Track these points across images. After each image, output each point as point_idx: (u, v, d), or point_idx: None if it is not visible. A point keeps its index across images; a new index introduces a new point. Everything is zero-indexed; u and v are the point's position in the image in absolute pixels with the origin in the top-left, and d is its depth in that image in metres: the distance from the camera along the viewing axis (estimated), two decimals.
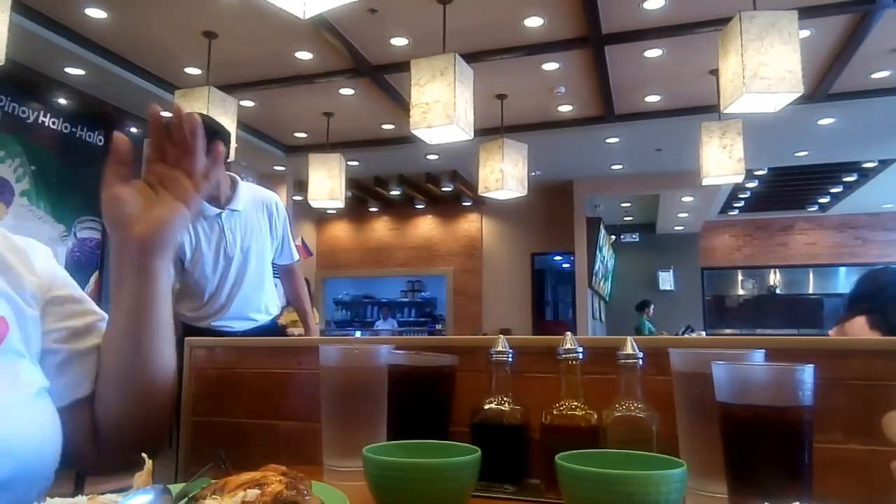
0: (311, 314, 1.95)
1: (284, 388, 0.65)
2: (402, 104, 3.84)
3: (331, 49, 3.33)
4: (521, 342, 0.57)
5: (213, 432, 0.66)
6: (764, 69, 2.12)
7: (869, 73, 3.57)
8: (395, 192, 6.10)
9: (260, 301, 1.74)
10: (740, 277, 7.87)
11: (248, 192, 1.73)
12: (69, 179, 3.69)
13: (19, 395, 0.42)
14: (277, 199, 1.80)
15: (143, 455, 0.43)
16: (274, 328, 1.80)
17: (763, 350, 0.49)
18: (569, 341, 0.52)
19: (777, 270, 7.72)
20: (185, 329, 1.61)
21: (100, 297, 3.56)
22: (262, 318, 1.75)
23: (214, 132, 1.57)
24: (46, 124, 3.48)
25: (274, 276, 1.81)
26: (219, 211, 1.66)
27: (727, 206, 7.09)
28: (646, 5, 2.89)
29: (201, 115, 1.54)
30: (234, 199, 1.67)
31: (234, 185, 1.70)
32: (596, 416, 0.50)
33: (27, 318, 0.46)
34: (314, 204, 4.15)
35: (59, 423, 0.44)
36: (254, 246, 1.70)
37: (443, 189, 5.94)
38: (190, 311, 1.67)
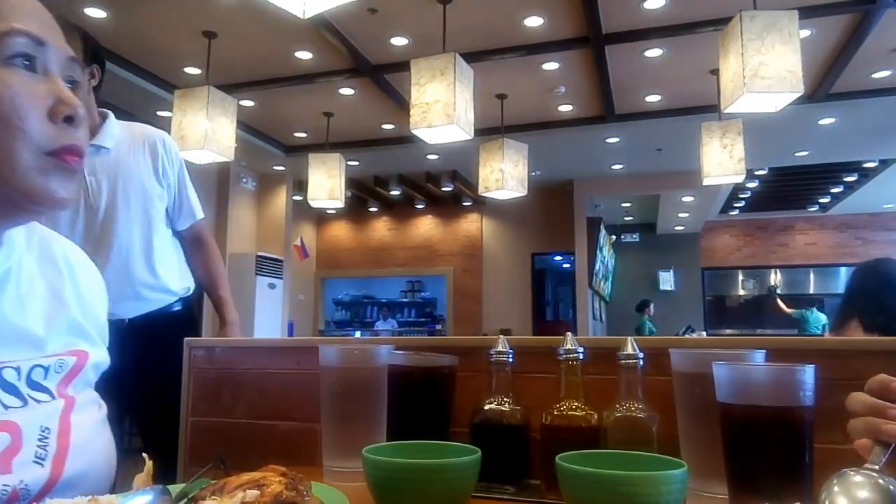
0: (230, 302, 1.39)
1: (284, 389, 0.65)
2: (402, 104, 3.84)
3: (331, 49, 3.33)
4: (522, 342, 0.57)
5: (213, 433, 0.66)
6: (764, 69, 2.11)
7: (869, 72, 3.57)
8: (395, 192, 6.09)
9: (153, 273, 1.23)
10: (741, 277, 7.87)
11: (124, 128, 1.29)
12: None
13: (98, 418, 0.46)
14: (166, 137, 1.32)
15: (144, 456, 0.43)
16: (186, 313, 1.32)
17: (764, 350, 0.49)
18: (569, 341, 0.52)
19: (778, 270, 7.72)
20: None
21: None
22: (163, 298, 1.25)
23: (95, 51, 1.26)
24: None
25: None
26: None
27: (728, 206, 7.09)
28: (646, 5, 2.89)
29: (78, 27, 1.20)
30: (101, 134, 1.22)
31: (104, 119, 1.25)
32: (596, 417, 0.50)
33: (99, 354, 0.49)
34: (314, 204, 4.15)
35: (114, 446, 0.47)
36: (132, 197, 1.22)
37: (443, 189, 5.94)
38: None
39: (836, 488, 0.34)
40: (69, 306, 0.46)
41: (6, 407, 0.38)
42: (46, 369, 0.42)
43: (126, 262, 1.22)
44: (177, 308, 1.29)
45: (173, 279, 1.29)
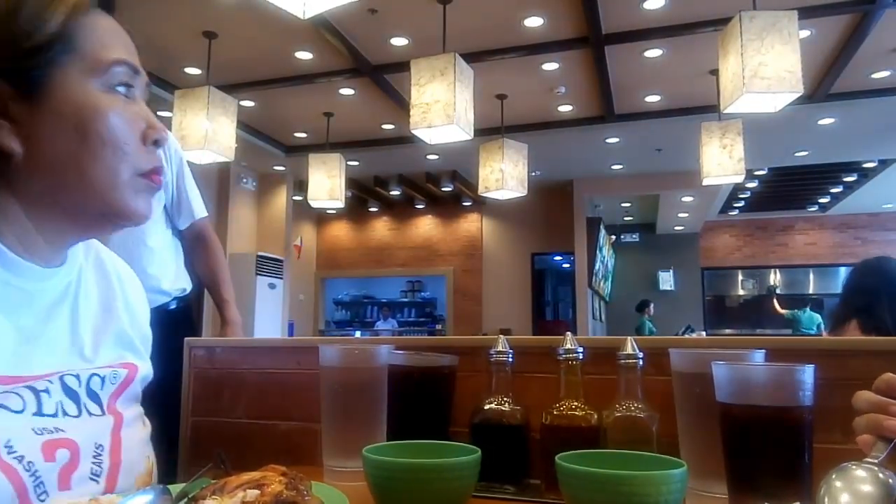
0: (232, 302, 1.36)
1: (284, 389, 0.65)
2: (402, 104, 3.84)
3: (331, 49, 3.33)
4: (521, 342, 0.57)
5: (213, 432, 0.66)
6: (764, 69, 2.11)
7: (869, 72, 3.57)
8: (395, 192, 6.09)
9: (143, 273, 1.07)
10: (740, 277, 7.87)
11: None
12: None
13: (143, 436, 0.47)
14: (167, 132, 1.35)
15: (145, 455, 0.44)
16: (182, 311, 1.28)
17: (763, 350, 0.49)
18: (569, 341, 0.52)
19: (777, 270, 7.72)
20: None
21: None
22: (155, 298, 1.20)
23: None
24: None
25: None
26: None
27: (727, 206, 7.09)
28: (646, 5, 2.89)
29: None
30: None
31: None
32: (596, 417, 0.50)
33: (145, 367, 0.50)
34: (314, 204, 4.15)
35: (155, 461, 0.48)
36: None
37: (443, 189, 5.94)
38: None
39: (834, 478, 0.34)
40: (120, 318, 0.48)
41: (65, 413, 0.39)
42: (103, 379, 0.43)
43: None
44: (172, 307, 1.27)
45: (167, 279, 1.27)
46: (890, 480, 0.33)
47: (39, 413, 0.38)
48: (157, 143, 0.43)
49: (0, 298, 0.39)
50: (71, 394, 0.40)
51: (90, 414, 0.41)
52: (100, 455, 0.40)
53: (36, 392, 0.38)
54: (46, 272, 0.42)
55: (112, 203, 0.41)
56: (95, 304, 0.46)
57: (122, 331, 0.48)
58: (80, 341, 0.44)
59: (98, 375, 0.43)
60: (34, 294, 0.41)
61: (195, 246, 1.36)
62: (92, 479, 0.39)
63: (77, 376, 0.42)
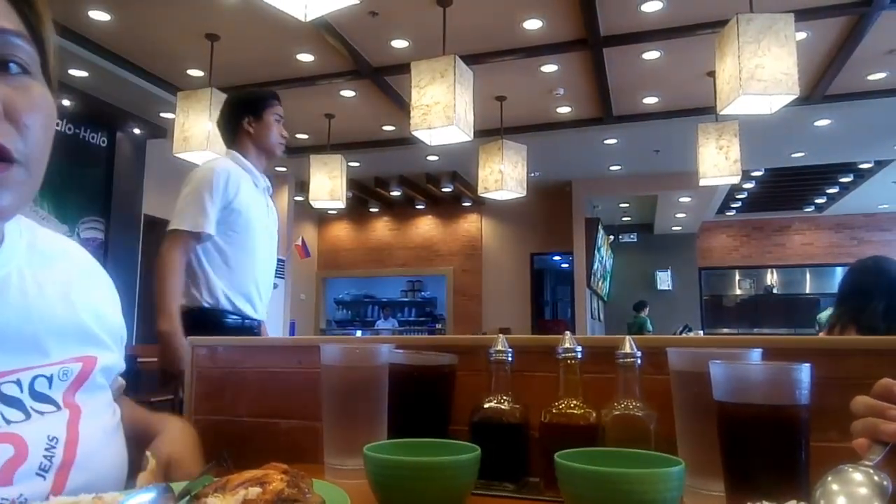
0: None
1: (286, 388, 0.65)
2: (402, 106, 3.84)
3: (332, 51, 3.33)
4: (521, 341, 0.57)
5: (215, 431, 0.66)
6: (760, 71, 2.12)
7: (865, 74, 3.59)
8: (396, 193, 6.10)
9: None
10: (737, 277, 7.89)
11: None
12: (73, 180, 3.68)
13: (110, 424, 0.44)
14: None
15: (147, 454, 0.44)
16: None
17: (760, 349, 0.49)
18: (568, 341, 0.53)
19: (774, 270, 7.74)
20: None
21: None
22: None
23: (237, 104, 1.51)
24: None
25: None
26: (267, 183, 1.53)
27: (724, 207, 7.11)
28: (644, 8, 2.90)
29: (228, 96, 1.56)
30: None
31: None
32: (595, 415, 0.51)
33: (110, 358, 0.46)
34: (315, 204, 4.15)
35: (126, 451, 0.45)
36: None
37: (443, 189, 5.94)
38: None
39: (830, 480, 0.34)
40: (77, 309, 0.44)
41: (9, 422, 0.37)
42: (49, 378, 0.40)
43: None
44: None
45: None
46: (885, 483, 0.33)
47: None
48: None
49: None
50: (12, 401, 0.37)
51: (41, 413, 0.38)
52: (53, 448, 0.37)
53: None
54: None
55: None
56: (48, 294, 0.42)
57: (81, 322, 0.44)
58: (31, 336, 0.40)
59: (44, 376, 0.40)
60: None
61: None
62: (39, 474, 0.36)
63: (18, 382, 0.38)
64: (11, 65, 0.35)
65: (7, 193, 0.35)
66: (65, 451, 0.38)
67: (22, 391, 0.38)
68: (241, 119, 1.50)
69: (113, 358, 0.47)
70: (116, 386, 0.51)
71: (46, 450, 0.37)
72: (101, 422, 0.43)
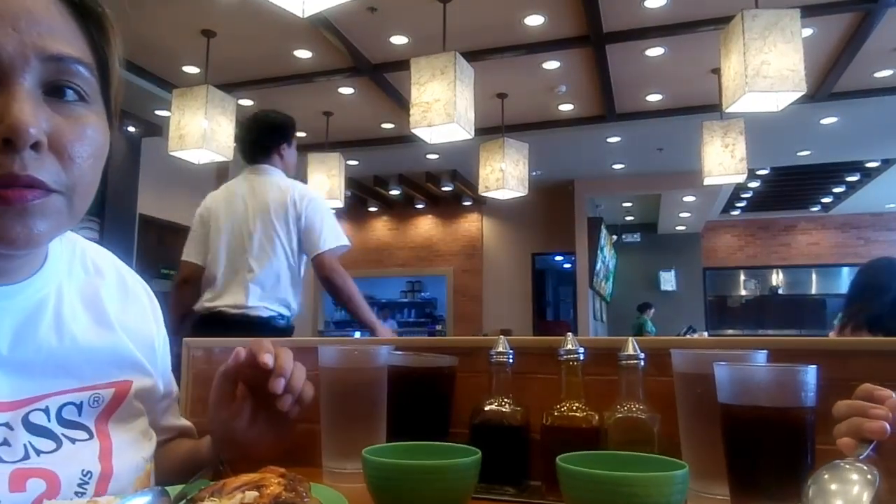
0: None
1: None
2: (401, 103, 3.83)
3: (330, 48, 3.33)
4: (522, 343, 0.56)
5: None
6: (766, 68, 2.11)
7: (872, 72, 3.56)
8: (395, 192, 6.09)
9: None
10: (742, 278, 7.86)
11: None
12: None
13: (145, 454, 0.43)
14: None
15: (142, 457, 0.43)
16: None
17: (765, 351, 0.49)
18: (570, 342, 0.52)
19: (779, 270, 7.71)
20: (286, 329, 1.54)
21: None
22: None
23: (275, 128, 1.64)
24: None
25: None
26: None
27: (729, 206, 7.08)
28: (647, 4, 2.89)
29: (263, 114, 1.70)
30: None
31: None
32: (597, 418, 0.50)
33: (146, 381, 0.45)
34: None
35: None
36: None
37: (443, 189, 5.94)
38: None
39: (823, 473, 0.36)
40: (114, 330, 0.43)
41: (39, 453, 0.35)
42: (79, 406, 0.39)
43: None
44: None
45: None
46: (870, 476, 0.36)
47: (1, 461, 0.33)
48: (7, 144, 0.31)
49: None
50: (40, 430, 0.36)
51: (73, 441, 0.37)
52: (86, 484, 0.36)
53: None
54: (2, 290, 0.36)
55: None
56: (85, 317, 0.41)
57: (118, 344, 0.43)
58: (65, 360, 0.39)
59: (73, 403, 0.38)
60: None
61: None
62: None
63: (45, 410, 0.37)
64: (69, 91, 0.35)
65: (42, 221, 0.34)
66: (97, 486, 0.37)
67: (49, 420, 0.37)
68: (280, 144, 1.68)
69: (150, 381, 0.45)
70: (165, 405, 0.50)
71: (79, 485, 0.36)
72: (137, 455, 0.42)
